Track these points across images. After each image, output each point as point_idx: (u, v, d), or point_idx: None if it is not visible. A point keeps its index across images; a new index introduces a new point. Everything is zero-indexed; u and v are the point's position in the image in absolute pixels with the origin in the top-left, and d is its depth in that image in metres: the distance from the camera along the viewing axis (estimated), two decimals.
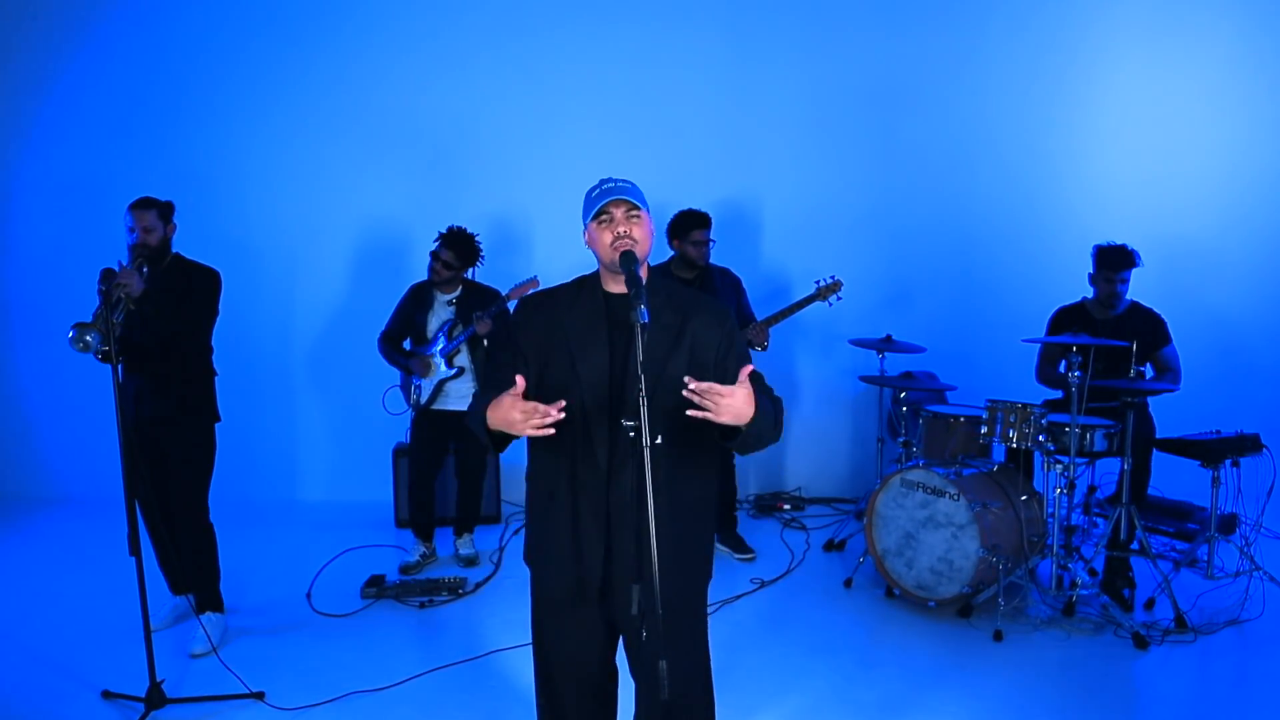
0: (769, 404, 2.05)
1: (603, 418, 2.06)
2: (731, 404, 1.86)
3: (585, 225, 2.12)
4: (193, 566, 3.73)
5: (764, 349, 4.69)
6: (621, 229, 2.04)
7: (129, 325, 3.36)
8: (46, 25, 5.75)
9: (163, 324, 3.46)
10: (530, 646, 3.46)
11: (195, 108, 5.80)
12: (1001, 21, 5.81)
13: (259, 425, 5.75)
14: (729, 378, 2.00)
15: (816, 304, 4.72)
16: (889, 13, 5.81)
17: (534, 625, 2.30)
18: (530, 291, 4.48)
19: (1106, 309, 4.37)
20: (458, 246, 4.52)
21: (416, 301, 4.65)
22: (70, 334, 3.16)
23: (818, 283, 4.73)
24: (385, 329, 4.70)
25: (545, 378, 2.11)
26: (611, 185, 2.09)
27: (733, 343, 2.15)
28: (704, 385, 1.84)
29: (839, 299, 4.75)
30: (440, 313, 4.62)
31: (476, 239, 4.60)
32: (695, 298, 2.19)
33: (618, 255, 2.02)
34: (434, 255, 4.53)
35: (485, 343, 4.56)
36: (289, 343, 5.92)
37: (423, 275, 4.70)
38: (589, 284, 2.17)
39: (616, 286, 2.12)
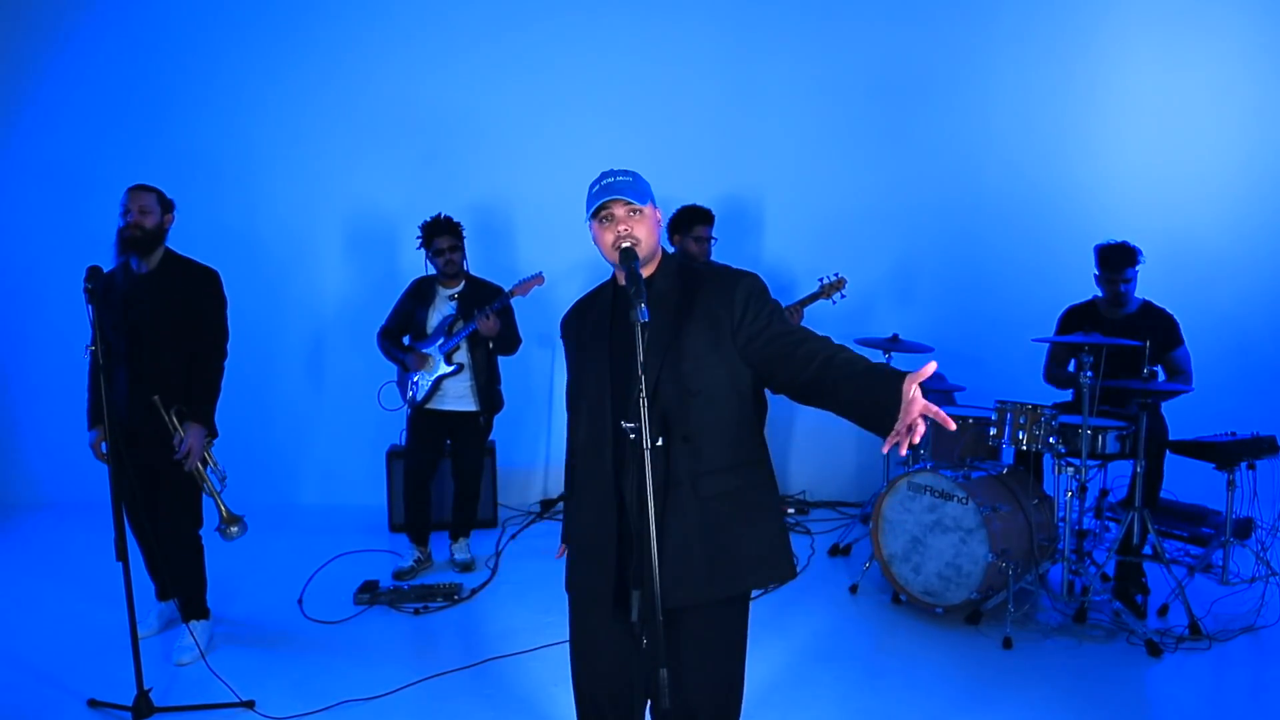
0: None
1: (608, 419, 2.03)
2: (917, 417, 1.67)
3: (589, 221, 2.07)
4: (180, 573, 3.65)
5: None
6: (623, 228, 2.00)
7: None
8: (34, 14, 5.68)
9: (214, 373, 3.53)
10: (524, 655, 3.41)
11: (187, 100, 5.75)
12: (1010, 15, 5.75)
13: (250, 427, 5.65)
14: (762, 337, 1.96)
15: (820, 302, 4.65)
16: (896, 6, 5.75)
17: (571, 638, 2.24)
18: (532, 290, 4.45)
19: (1116, 308, 4.29)
20: (449, 230, 4.45)
21: (418, 296, 4.57)
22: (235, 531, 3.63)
23: (821, 280, 4.67)
24: (385, 324, 4.62)
25: (577, 380, 2.18)
26: (610, 181, 2.03)
27: (753, 303, 2.01)
28: (898, 437, 1.67)
29: (843, 297, 4.69)
30: (442, 308, 4.54)
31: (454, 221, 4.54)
32: (702, 273, 2.11)
33: (618, 254, 2.00)
34: (438, 252, 4.43)
35: (490, 344, 4.47)
36: (281, 342, 5.86)
37: (419, 271, 4.63)
38: (607, 284, 2.20)
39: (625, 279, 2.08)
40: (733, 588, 2.07)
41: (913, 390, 1.66)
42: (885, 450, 1.71)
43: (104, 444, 3.38)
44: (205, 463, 3.53)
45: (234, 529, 3.60)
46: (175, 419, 3.43)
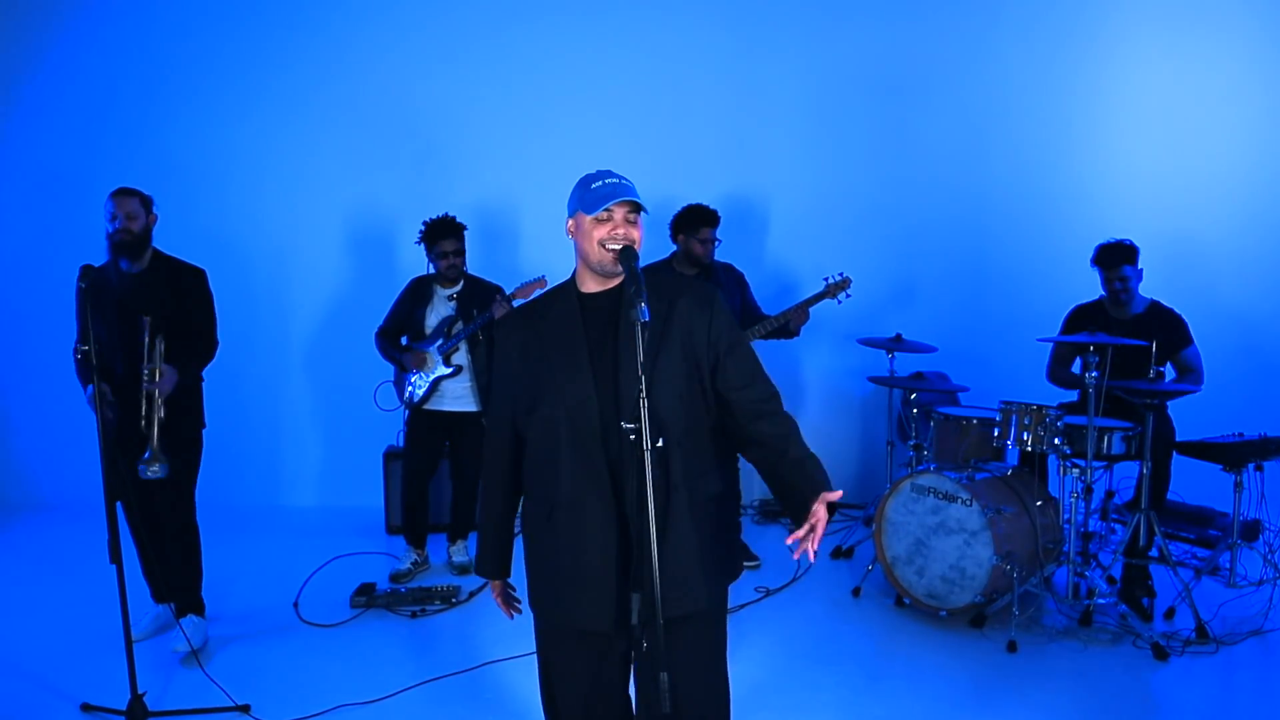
0: (812, 458, 2.06)
1: (595, 425, 1.97)
2: (825, 523, 1.90)
3: (572, 214, 2.03)
4: (176, 569, 3.63)
5: (796, 334, 4.63)
6: (620, 231, 1.96)
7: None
8: (21, 13, 5.65)
9: (197, 366, 3.59)
10: (522, 658, 3.36)
11: (178, 100, 5.71)
12: (1015, 11, 5.70)
13: (245, 428, 5.65)
14: (722, 366, 2.01)
15: (825, 302, 4.62)
16: (900, 5, 5.71)
17: (541, 664, 2.19)
18: (535, 294, 4.40)
19: (1122, 308, 4.24)
20: (454, 233, 4.40)
21: (416, 296, 4.53)
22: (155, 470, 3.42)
23: (826, 280, 4.64)
24: (383, 324, 4.58)
25: (532, 396, 2.04)
26: (616, 182, 1.99)
27: (720, 326, 2.05)
28: (802, 535, 1.87)
29: (848, 296, 4.66)
30: (440, 308, 4.50)
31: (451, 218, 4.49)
32: (678, 281, 2.13)
33: (609, 254, 1.95)
34: (441, 255, 4.38)
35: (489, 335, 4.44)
36: (276, 343, 5.82)
37: (416, 270, 4.60)
38: (564, 289, 2.10)
39: (595, 285, 2.04)
40: (721, 591, 2.10)
41: (820, 511, 1.90)
42: (796, 552, 1.92)
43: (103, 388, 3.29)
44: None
45: (154, 466, 3.42)
46: (159, 358, 3.43)
